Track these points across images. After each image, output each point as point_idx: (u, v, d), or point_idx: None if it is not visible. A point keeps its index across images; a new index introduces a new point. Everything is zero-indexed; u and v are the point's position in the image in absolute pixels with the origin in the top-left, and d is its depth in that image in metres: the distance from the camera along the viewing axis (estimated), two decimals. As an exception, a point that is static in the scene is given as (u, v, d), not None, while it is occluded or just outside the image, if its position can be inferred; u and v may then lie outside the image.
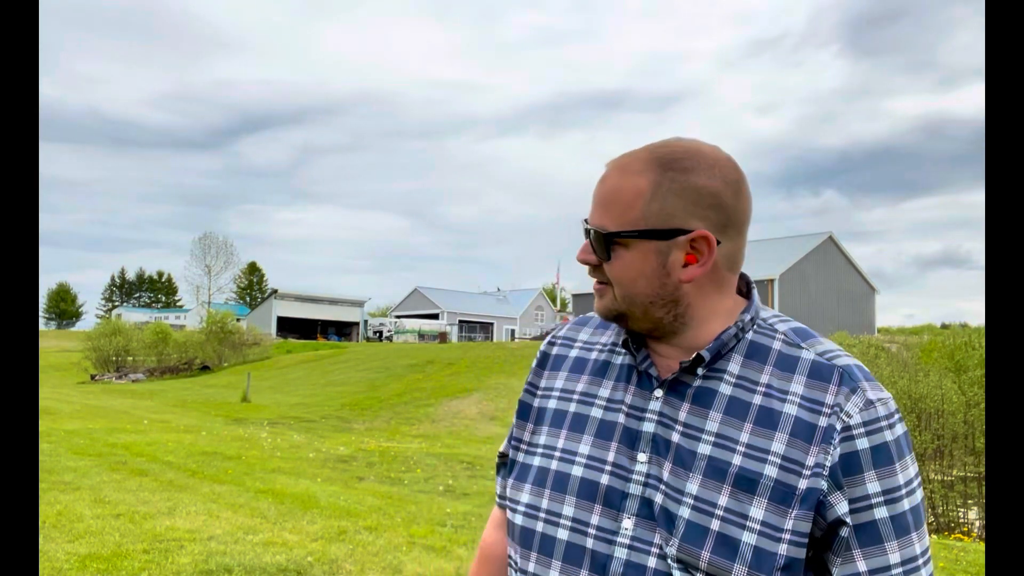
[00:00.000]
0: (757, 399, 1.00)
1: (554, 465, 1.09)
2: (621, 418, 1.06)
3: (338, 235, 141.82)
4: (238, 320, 45.62)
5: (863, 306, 46.16)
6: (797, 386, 1.00)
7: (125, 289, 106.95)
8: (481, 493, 8.75)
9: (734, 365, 1.03)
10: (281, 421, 17.39)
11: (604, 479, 1.03)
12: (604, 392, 1.10)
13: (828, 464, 0.96)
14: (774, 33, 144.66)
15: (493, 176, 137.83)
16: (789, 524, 0.95)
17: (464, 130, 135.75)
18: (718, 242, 1.02)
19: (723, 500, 0.97)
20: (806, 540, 0.96)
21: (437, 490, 8.82)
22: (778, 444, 0.97)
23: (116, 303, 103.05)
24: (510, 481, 1.16)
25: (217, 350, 39.52)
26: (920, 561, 0.99)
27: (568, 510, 1.05)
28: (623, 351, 1.11)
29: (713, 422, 1.00)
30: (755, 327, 1.06)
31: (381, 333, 57.46)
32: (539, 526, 1.07)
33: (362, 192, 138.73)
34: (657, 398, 1.04)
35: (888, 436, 0.98)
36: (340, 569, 5.14)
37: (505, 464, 1.22)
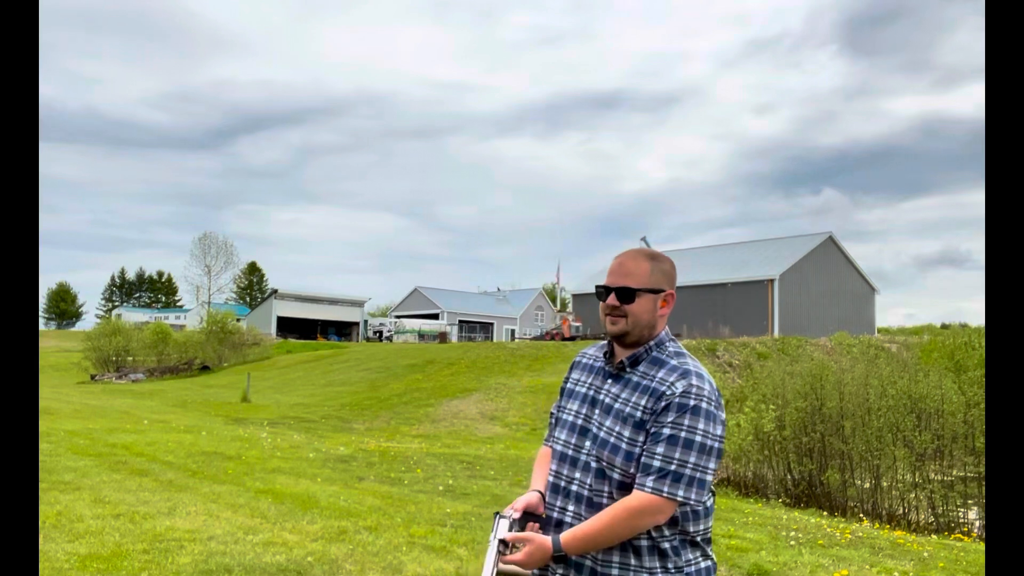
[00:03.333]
0: (645, 381, 2.06)
1: (564, 416, 2.22)
2: (592, 392, 2.17)
3: (338, 235, 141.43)
4: (238, 320, 45.64)
5: (863, 306, 46.12)
6: (663, 375, 2.04)
7: (125, 289, 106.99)
8: (481, 493, 8.75)
9: (643, 367, 2.10)
10: (281, 421, 17.39)
11: (579, 421, 2.15)
12: (587, 380, 2.22)
13: (656, 409, 1.99)
14: (772, 33, 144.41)
15: (493, 176, 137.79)
16: (640, 438, 1.99)
17: (463, 130, 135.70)
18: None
19: (617, 428, 2.03)
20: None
21: (437, 490, 8.81)
22: (643, 400, 2.02)
23: (116, 303, 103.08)
24: (556, 427, 2.26)
25: (217, 350, 39.52)
26: (689, 465, 1.94)
27: (565, 437, 2.17)
28: (603, 360, 2.21)
29: (624, 392, 2.08)
30: (658, 348, 2.12)
31: (381, 333, 57.40)
32: (558, 447, 2.19)
33: (362, 192, 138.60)
34: (608, 383, 2.14)
35: (692, 402, 1.97)
36: (340, 569, 5.14)
37: (551, 420, 2.33)
